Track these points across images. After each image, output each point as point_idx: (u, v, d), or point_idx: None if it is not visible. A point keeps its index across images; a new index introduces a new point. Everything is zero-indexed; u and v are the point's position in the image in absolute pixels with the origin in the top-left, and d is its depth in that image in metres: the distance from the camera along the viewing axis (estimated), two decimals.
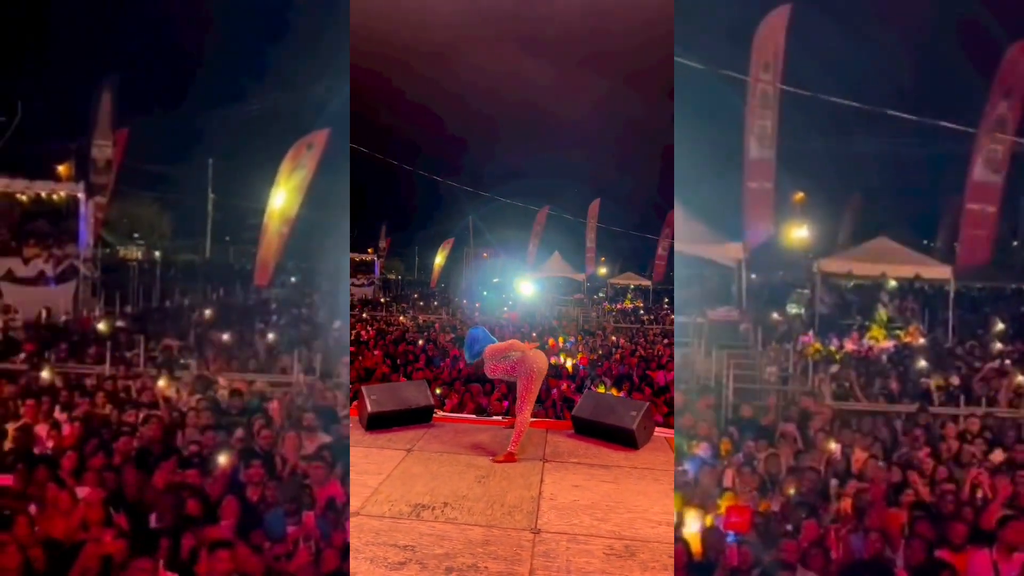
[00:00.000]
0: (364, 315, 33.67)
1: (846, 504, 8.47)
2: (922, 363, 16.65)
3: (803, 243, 23.24)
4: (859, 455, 10.12)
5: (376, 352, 20.56)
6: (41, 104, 32.31)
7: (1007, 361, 16.97)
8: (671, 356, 19.98)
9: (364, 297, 46.83)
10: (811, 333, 18.18)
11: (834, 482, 9.28)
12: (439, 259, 58.98)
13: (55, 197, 25.16)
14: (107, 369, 15.72)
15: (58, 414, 11.35)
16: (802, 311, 21.01)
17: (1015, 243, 28.49)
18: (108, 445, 9.72)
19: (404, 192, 66.34)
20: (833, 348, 17.31)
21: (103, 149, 26.99)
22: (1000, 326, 20.20)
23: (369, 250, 57.65)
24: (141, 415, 11.27)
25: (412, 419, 10.81)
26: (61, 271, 24.45)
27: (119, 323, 19.99)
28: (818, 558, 7.21)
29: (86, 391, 12.87)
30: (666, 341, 24.79)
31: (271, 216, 24.59)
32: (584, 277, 50.38)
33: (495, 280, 57.36)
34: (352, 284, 48.28)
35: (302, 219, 24.80)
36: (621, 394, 14.50)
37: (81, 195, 25.20)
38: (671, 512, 7.09)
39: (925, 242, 26.16)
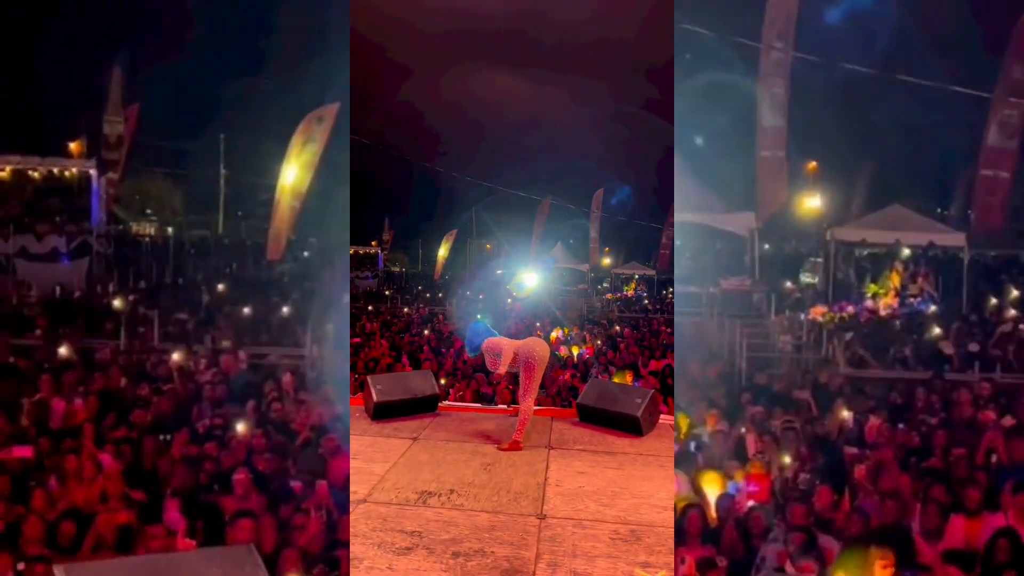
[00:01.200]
0: (369, 307, 33.70)
1: (860, 471, 8.46)
2: (936, 330, 16.61)
3: (816, 212, 23.07)
4: (873, 422, 10.12)
5: (383, 343, 20.58)
6: (52, 81, 32.28)
7: (1021, 326, 16.92)
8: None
9: (368, 289, 46.70)
10: (825, 302, 18.14)
11: (848, 449, 9.28)
12: (442, 251, 58.74)
13: (67, 174, 25.21)
14: (122, 344, 15.80)
15: (74, 389, 11.39)
16: (815, 280, 20.94)
17: None
18: (124, 418, 9.80)
19: (406, 184, 65.87)
20: (846, 315, 17.25)
21: (114, 125, 26.99)
22: (1015, 293, 20.09)
23: (373, 243, 57.49)
24: (156, 389, 11.34)
25: (418, 408, 10.82)
26: (74, 247, 24.47)
27: (133, 298, 20.01)
28: (834, 523, 7.22)
29: (102, 366, 12.94)
30: (670, 331, 24.82)
31: (283, 191, 24.56)
32: (588, 267, 50.22)
33: (499, 272, 57.30)
34: (356, 277, 48.22)
35: (313, 193, 24.77)
36: (635, 382, 14.48)
37: (93, 172, 25.24)
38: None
39: (939, 210, 25.90)
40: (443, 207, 64.64)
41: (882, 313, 18.64)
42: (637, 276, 53.10)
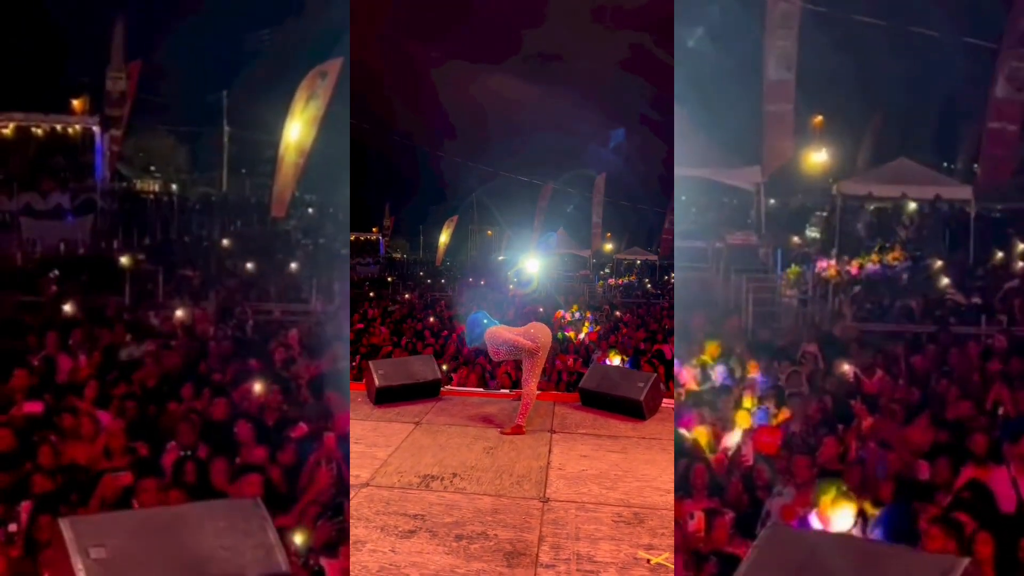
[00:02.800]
0: (371, 294, 33.64)
1: (867, 423, 8.47)
2: (944, 282, 16.59)
3: (822, 166, 22.98)
4: (880, 375, 10.11)
5: (383, 329, 20.57)
6: (55, 37, 32.12)
7: None
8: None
9: (370, 276, 46.50)
10: (831, 257, 18.09)
11: (855, 402, 9.27)
12: (444, 237, 58.62)
13: (71, 131, 25.21)
14: (127, 300, 15.81)
15: (80, 345, 11.41)
16: (822, 234, 20.88)
17: None
18: (129, 375, 9.81)
19: (407, 169, 65.24)
20: (852, 269, 17.22)
21: (117, 82, 26.90)
22: (1021, 247, 20.02)
23: (374, 229, 57.22)
24: (164, 344, 11.36)
25: (420, 393, 10.74)
26: (79, 204, 24.51)
27: (138, 255, 20.03)
28: (843, 475, 7.23)
29: (107, 322, 12.95)
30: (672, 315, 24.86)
31: (287, 148, 24.50)
32: (590, 253, 49.99)
33: (500, 258, 56.95)
34: (357, 263, 47.98)
35: (317, 150, 24.75)
36: (628, 363, 14.44)
37: (96, 129, 25.22)
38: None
39: (945, 164, 25.79)
40: (445, 193, 64.27)
41: (887, 266, 18.63)
42: (639, 262, 52.92)
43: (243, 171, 33.70)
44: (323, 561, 6.25)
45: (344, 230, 26.44)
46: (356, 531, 5.86)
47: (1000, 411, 8.96)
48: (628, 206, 49.02)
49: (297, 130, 24.13)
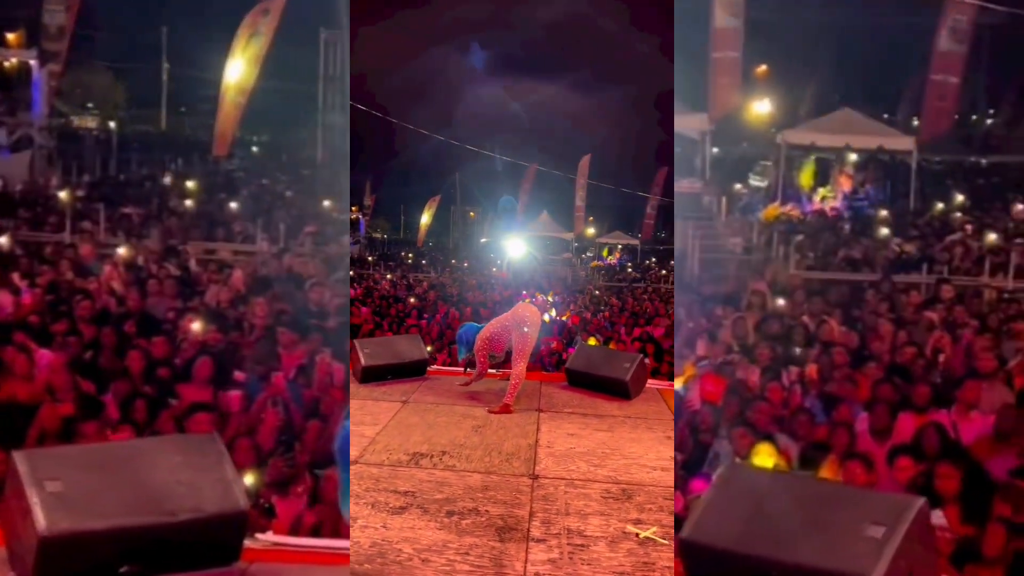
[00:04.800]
0: (351, 273, 33.31)
1: (811, 369, 8.61)
2: (884, 231, 16.84)
3: (767, 116, 23.13)
4: (822, 321, 10.26)
5: (363, 310, 20.39)
6: None
7: (968, 228, 17.23)
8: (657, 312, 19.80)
9: (351, 256, 45.83)
10: (775, 204, 18.29)
11: (798, 350, 9.42)
12: (425, 218, 57.82)
13: (6, 65, 24.59)
14: (67, 237, 15.56)
15: (19, 281, 11.22)
16: (765, 183, 21.08)
17: (974, 117, 28.53)
18: (71, 312, 9.67)
19: (389, 147, 63.88)
20: (795, 216, 17.43)
21: (55, 15, 26.19)
22: (960, 198, 20.39)
23: (354, 208, 56.43)
24: (103, 282, 11.20)
25: (406, 372, 10.69)
26: (15, 140, 24.02)
27: (77, 192, 19.70)
28: (786, 422, 7.37)
29: (47, 259, 12.74)
30: (655, 298, 25.07)
31: (227, 86, 24.16)
32: (573, 236, 50.04)
33: (483, 240, 56.59)
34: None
35: (262, 89, 24.41)
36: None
37: (34, 63, 24.64)
38: (665, 458, 7.12)
39: (886, 116, 26.09)
40: (427, 171, 63.25)
41: (829, 215, 18.87)
42: (621, 245, 53.00)
43: (182, 109, 33.19)
44: (274, 499, 6.27)
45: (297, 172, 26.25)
46: None
47: (941, 358, 9.16)
48: (612, 189, 48.74)
49: (239, 68, 23.77)
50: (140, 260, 12.75)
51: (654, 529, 5.39)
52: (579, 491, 6.24)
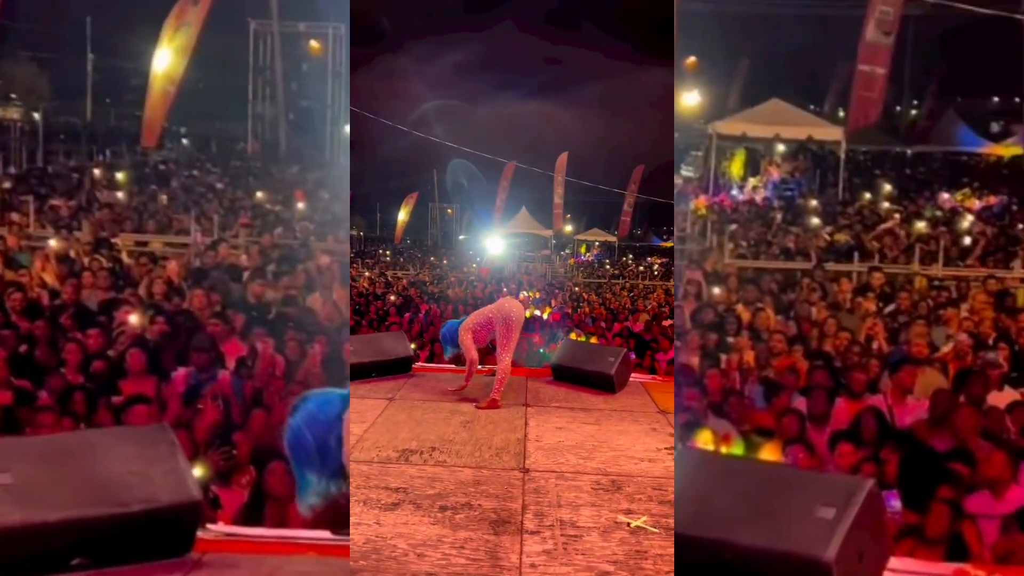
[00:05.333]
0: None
1: (748, 356, 8.76)
2: (815, 221, 17.12)
3: (697, 107, 23.38)
4: (759, 309, 10.42)
5: None
6: None
7: (897, 216, 17.58)
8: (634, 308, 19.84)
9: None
10: (706, 194, 18.50)
11: (732, 338, 9.57)
12: (402, 215, 57.69)
13: None
14: None
15: None
16: (697, 174, 21.31)
17: (898, 107, 29.14)
18: (2, 305, 9.52)
19: (363, 143, 63.14)
20: (726, 206, 17.66)
21: None
22: (887, 188, 20.79)
23: None
24: (34, 275, 11.04)
25: (391, 370, 10.70)
26: None
27: (3, 184, 19.35)
28: (724, 408, 7.52)
29: None
30: (632, 294, 25.27)
31: (155, 75, 23.95)
32: (551, 233, 50.06)
33: (461, 237, 56.30)
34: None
35: (191, 80, 24.17)
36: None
37: None
38: (652, 449, 7.23)
39: (812, 107, 26.50)
40: (406, 168, 62.77)
41: (760, 204, 19.13)
42: (598, 243, 53.13)
43: (107, 100, 32.72)
44: (216, 490, 6.26)
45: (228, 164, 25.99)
46: None
47: (874, 345, 9.37)
48: (589, 186, 48.69)
49: (166, 58, 23.56)
50: (72, 252, 12.57)
51: (644, 518, 5.49)
52: (570, 483, 6.31)
